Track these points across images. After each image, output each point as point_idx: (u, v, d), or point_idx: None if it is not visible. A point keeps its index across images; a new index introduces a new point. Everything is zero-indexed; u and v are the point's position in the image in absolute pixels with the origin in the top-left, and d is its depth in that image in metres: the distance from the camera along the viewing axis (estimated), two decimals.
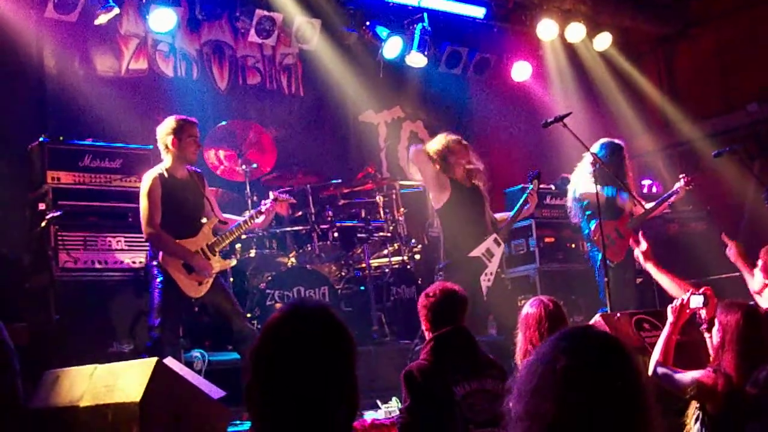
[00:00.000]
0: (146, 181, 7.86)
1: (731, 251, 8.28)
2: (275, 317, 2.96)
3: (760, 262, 7.53)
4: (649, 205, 9.80)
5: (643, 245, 7.30)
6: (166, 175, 7.90)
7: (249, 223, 8.33)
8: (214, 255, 8.02)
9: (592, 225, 9.46)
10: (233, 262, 8.68)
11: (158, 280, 7.72)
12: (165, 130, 7.99)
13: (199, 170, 8.36)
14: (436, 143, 9.19)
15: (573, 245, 11.61)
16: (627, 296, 9.30)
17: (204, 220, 8.11)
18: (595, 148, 9.40)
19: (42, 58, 10.58)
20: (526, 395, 2.60)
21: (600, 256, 9.08)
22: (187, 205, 8.03)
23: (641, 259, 7.30)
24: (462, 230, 8.91)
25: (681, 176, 9.88)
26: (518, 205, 9.22)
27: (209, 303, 8.01)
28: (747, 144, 11.69)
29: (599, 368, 2.53)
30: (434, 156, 9.04)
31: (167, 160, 7.98)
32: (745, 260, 8.11)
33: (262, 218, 8.36)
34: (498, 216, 9.39)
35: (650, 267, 7.14)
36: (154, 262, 7.77)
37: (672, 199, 9.82)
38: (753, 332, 4.99)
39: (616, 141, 9.88)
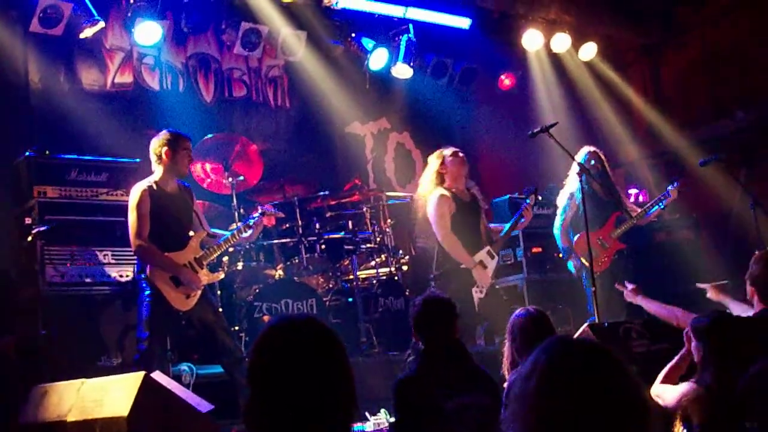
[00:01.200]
0: (135, 193, 7.84)
1: (710, 293, 8.23)
2: (266, 330, 3.01)
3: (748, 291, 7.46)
4: (639, 210, 9.86)
5: (628, 286, 7.39)
6: (155, 187, 7.89)
7: (237, 237, 8.32)
8: (202, 268, 8.00)
9: (576, 237, 9.55)
10: (221, 275, 8.68)
11: (146, 293, 7.70)
12: (160, 141, 7.99)
13: (187, 184, 8.35)
14: (434, 159, 9.26)
15: (560, 255, 11.62)
16: (614, 305, 9.29)
17: (192, 234, 8.09)
18: (578, 157, 9.43)
19: (27, 73, 10.56)
20: (515, 401, 2.62)
21: (571, 265, 9.46)
22: (175, 218, 8.01)
23: (630, 297, 7.36)
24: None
25: (674, 179, 9.96)
26: (513, 219, 9.26)
27: (196, 317, 7.98)
28: (733, 152, 11.70)
29: (585, 374, 2.52)
30: (432, 174, 9.14)
31: (158, 172, 7.97)
32: (726, 295, 8.08)
33: (249, 232, 8.35)
34: (492, 227, 9.42)
35: (641, 301, 7.19)
36: (142, 275, 7.74)
37: (665, 202, 9.75)
38: (724, 340, 4.96)
39: (594, 149, 9.92)
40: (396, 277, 11.02)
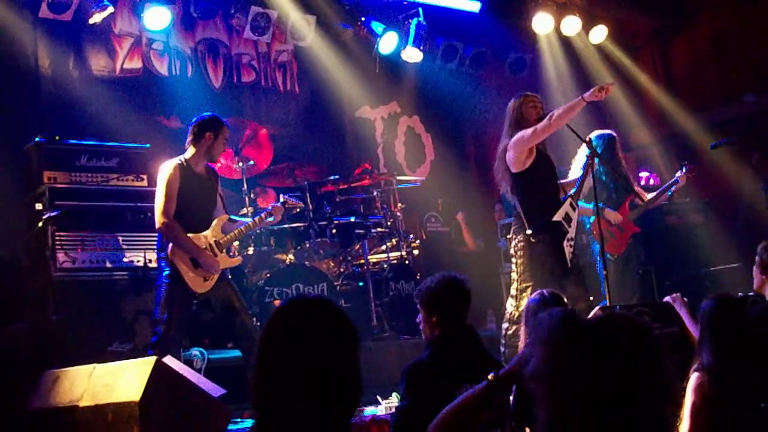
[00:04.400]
0: (166, 170, 7.88)
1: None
2: (279, 309, 3.05)
3: (756, 259, 7.43)
4: (649, 196, 9.77)
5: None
6: (185, 165, 7.94)
7: (258, 224, 8.38)
8: (221, 252, 8.03)
9: (592, 218, 9.31)
10: (239, 260, 8.69)
11: (165, 273, 7.75)
12: (203, 123, 8.05)
13: (214, 167, 8.39)
14: (513, 108, 8.72)
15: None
16: (628, 289, 9.24)
17: (214, 217, 8.14)
18: (592, 138, 9.37)
19: (37, 58, 10.54)
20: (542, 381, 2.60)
21: (597, 248, 9.02)
22: (200, 199, 8.05)
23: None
24: (543, 195, 8.44)
25: (683, 164, 9.82)
26: (584, 168, 8.64)
27: (214, 298, 7.98)
28: (745, 135, 11.65)
29: (625, 344, 2.53)
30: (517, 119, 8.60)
31: (190, 151, 8.02)
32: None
33: (271, 219, 8.43)
34: (563, 182, 8.91)
35: (680, 309, 6.88)
36: (163, 254, 7.79)
37: (673, 188, 9.75)
38: (726, 321, 4.91)
39: (608, 132, 9.87)
40: (407, 261, 11.03)
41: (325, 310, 3.01)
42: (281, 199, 8.58)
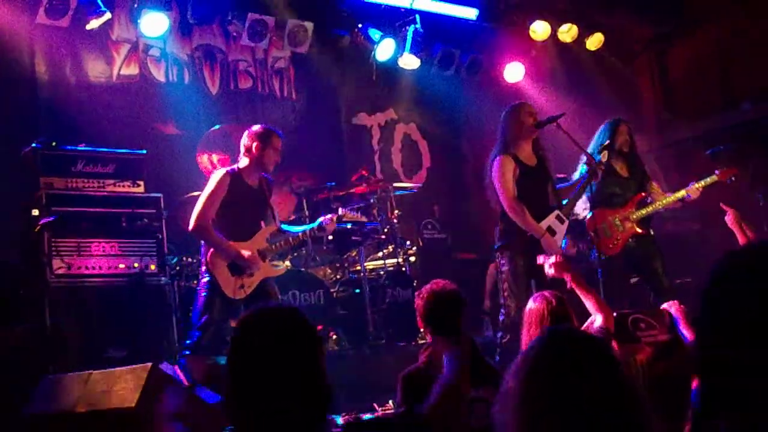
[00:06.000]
0: (217, 175, 8.11)
1: (729, 217, 8.15)
2: (241, 321, 3.19)
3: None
4: (667, 197, 9.24)
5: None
6: (237, 175, 8.10)
7: (309, 236, 8.56)
8: (264, 261, 8.17)
9: (590, 214, 8.96)
10: (282, 270, 8.85)
11: (204, 280, 7.94)
12: (252, 134, 8.22)
13: (270, 178, 8.53)
14: (508, 117, 8.67)
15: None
16: (621, 293, 9.06)
17: (262, 226, 8.27)
18: (599, 131, 9.30)
19: (33, 64, 10.53)
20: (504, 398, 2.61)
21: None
22: (248, 210, 8.21)
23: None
24: (526, 209, 8.35)
25: (716, 171, 9.17)
26: (585, 179, 8.59)
27: (261, 297, 8.09)
28: (742, 143, 11.62)
29: (581, 368, 2.50)
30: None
31: (243, 162, 8.21)
32: (740, 227, 7.99)
33: (324, 231, 8.61)
34: (563, 187, 8.89)
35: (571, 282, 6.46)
36: (203, 260, 7.95)
37: (687, 199, 9.16)
38: None
39: (613, 119, 9.52)
40: (404, 268, 11.03)
41: (281, 317, 3.12)
42: (340, 212, 8.72)
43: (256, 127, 8.32)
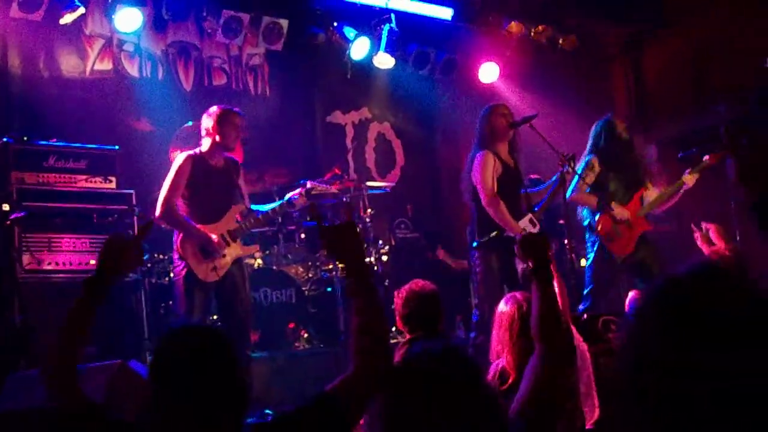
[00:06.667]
0: (179, 159, 8.15)
1: (712, 234, 8.15)
2: (161, 337, 3.43)
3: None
4: (666, 192, 9.15)
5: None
6: (199, 157, 8.14)
7: (279, 212, 8.66)
8: (235, 241, 8.20)
9: (596, 216, 8.92)
10: (254, 248, 9.08)
11: (178, 269, 8.01)
12: (210, 114, 8.25)
13: (236, 160, 8.56)
14: (484, 118, 8.75)
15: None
16: (610, 297, 9.00)
17: (231, 207, 8.31)
18: (594, 126, 9.26)
19: (6, 58, 10.47)
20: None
21: (595, 246, 8.89)
22: (214, 191, 8.23)
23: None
24: None
25: (705, 157, 9.14)
26: (553, 185, 8.54)
27: (223, 290, 8.18)
28: (713, 145, 11.62)
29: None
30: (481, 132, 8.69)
31: (205, 144, 8.24)
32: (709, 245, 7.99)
33: (294, 208, 8.74)
34: (533, 192, 8.86)
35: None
36: (175, 246, 8.01)
37: (682, 189, 9.02)
38: None
39: (605, 117, 9.45)
40: (376, 267, 11.03)
41: (200, 334, 3.30)
42: (308, 186, 8.72)
43: (213, 108, 8.33)
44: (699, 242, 7.55)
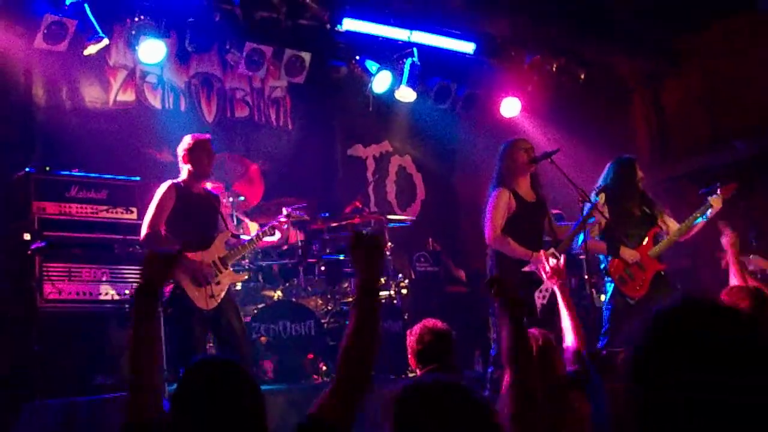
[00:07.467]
0: (162, 187, 8.18)
1: (725, 239, 8.14)
2: (186, 374, 3.41)
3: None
4: (678, 226, 9.05)
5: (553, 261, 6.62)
6: (181, 185, 8.19)
7: (261, 238, 8.62)
8: (226, 268, 8.24)
9: (609, 259, 8.87)
10: (245, 275, 9.12)
11: (172, 290, 7.99)
12: (180, 146, 8.36)
13: (214, 192, 8.75)
14: (504, 152, 8.79)
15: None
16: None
17: (217, 235, 8.35)
18: (606, 172, 9.17)
19: (30, 88, 10.54)
20: None
21: (611, 288, 8.81)
22: (200, 218, 8.28)
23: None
24: (517, 242, 8.39)
25: (715, 184, 9.07)
26: (582, 219, 8.43)
27: (224, 319, 8.09)
28: (733, 181, 11.56)
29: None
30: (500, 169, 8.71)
31: (183, 173, 8.31)
32: (736, 250, 7.97)
33: (277, 235, 8.67)
34: (562, 226, 8.90)
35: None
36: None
37: (709, 213, 8.91)
38: None
39: (625, 156, 9.34)
40: (395, 301, 11.00)
41: (229, 372, 3.33)
42: (285, 212, 8.78)
43: (186, 137, 8.44)
44: (733, 271, 7.55)
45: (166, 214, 8.10)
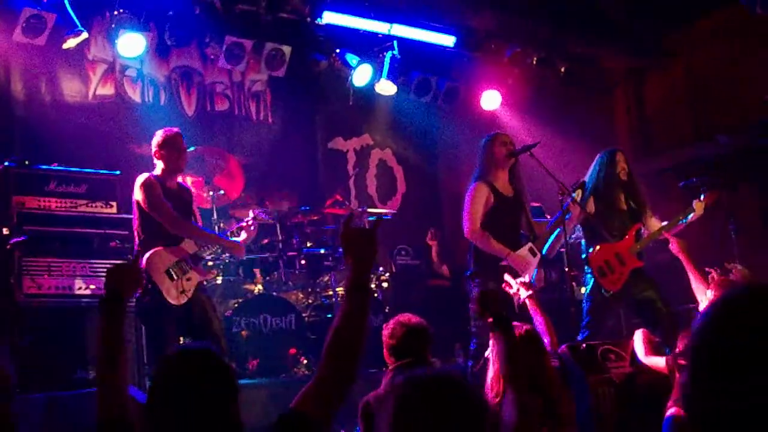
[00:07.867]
0: (142, 177, 8.13)
1: (673, 246, 8.17)
2: (162, 358, 3.44)
3: (710, 293, 7.32)
4: (663, 223, 8.91)
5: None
6: (159, 180, 8.15)
7: (228, 238, 8.56)
8: (197, 264, 8.23)
9: (591, 250, 8.81)
10: (214, 272, 9.21)
11: (146, 286, 7.87)
12: (153, 142, 8.33)
13: (186, 186, 8.77)
14: (484, 147, 8.80)
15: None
16: (609, 328, 8.96)
17: None
18: (593, 166, 9.13)
19: (9, 82, 10.52)
20: None
21: (592, 281, 8.76)
22: (178, 213, 8.19)
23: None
24: (495, 237, 8.40)
25: (701, 190, 8.99)
26: (558, 214, 8.42)
27: (195, 310, 8.07)
28: (715, 175, 11.57)
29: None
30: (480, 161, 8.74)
31: (158, 168, 8.27)
32: (686, 254, 8.01)
33: (243, 236, 8.59)
34: (539, 222, 8.90)
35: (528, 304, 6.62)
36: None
37: (690, 216, 8.78)
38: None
39: (607, 150, 9.25)
40: (376, 294, 10.99)
41: (202, 358, 3.34)
42: (251, 214, 8.82)
43: (158, 132, 8.40)
44: (692, 277, 7.64)
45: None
